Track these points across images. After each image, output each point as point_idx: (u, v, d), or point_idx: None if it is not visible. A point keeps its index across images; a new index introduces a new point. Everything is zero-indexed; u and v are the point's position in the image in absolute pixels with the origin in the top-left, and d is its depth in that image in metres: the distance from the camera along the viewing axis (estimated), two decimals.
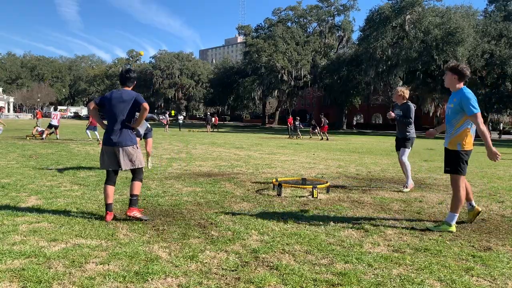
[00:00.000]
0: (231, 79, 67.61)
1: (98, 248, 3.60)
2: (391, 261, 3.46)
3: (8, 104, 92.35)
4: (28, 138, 18.23)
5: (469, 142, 4.48)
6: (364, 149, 17.86)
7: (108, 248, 3.59)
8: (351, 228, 4.49)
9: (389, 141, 27.54)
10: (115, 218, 4.60)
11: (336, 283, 2.97)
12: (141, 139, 7.91)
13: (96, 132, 18.45)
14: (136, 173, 4.69)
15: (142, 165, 4.73)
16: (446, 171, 4.56)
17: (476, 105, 4.31)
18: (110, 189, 4.64)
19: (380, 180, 8.23)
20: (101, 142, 5.26)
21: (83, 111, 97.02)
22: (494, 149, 4.28)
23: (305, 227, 4.48)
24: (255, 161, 11.30)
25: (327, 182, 6.91)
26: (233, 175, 8.43)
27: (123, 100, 4.55)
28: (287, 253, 3.61)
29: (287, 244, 3.86)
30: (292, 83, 56.87)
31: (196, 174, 8.51)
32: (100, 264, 3.22)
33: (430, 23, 39.03)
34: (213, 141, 20.70)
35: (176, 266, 3.22)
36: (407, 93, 7.14)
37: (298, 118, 30.17)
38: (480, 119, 4.30)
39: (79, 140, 18.08)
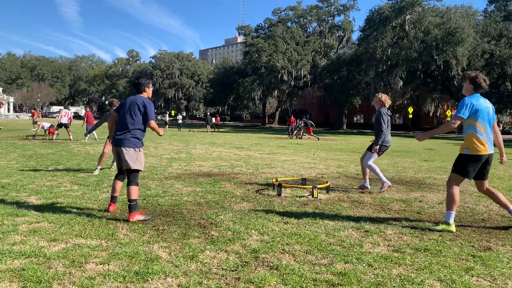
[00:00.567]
0: (231, 79, 67.61)
1: (98, 248, 3.60)
2: (391, 261, 3.46)
3: (8, 104, 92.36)
4: (28, 138, 18.24)
5: (478, 148, 4.56)
6: (364, 149, 17.84)
7: (108, 248, 3.59)
8: (351, 228, 4.49)
9: None
10: (115, 218, 4.60)
11: (336, 283, 2.97)
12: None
13: (94, 133, 18.46)
14: (132, 177, 4.72)
15: (141, 168, 4.80)
16: (455, 171, 4.67)
17: (464, 110, 4.50)
18: (118, 183, 4.97)
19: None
20: (108, 141, 5.52)
21: (83, 111, 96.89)
22: (424, 135, 4.92)
23: (305, 227, 4.48)
24: (255, 161, 11.30)
25: (327, 182, 6.92)
26: (233, 175, 8.43)
27: (136, 106, 4.77)
28: (287, 253, 3.61)
29: (287, 244, 3.86)
30: (292, 83, 56.85)
31: (196, 174, 8.51)
32: (100, 264, 3.22)
33: (430, 23, 39.01)
34: (213, 141, 20.70)
35: (176, 266, 3.22)
36: (386, 100, 7.05)
37: (303, 116, 29.99)
38: (456, 121, 4.51)
39: (79, 140, 18.08)
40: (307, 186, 6.63)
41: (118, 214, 4.82)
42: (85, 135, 18.13)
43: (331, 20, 60.64)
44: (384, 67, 42.32)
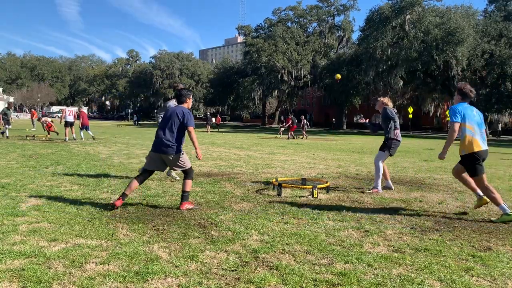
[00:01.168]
0: (231, 79, 67.58)
1: (98, 248, 3.60)
2: (391, 261, 3.46)
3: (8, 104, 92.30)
4: (28, 138, 18.24)
5: (472, 146, 5.09)
6: (364, 149, 17.87)
7: (108, 248, 3.59)
8: (351, 228, 4.49)
9: None
10: (115, 218, 4.60)
11: (336, 283, 2.97)
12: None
13: (89, 132, 18.52)
14: (187, 173, 5.35)
15: (189, 165, 5.41)
16: (470, 175, 5.23)
17: (456, 116, 5.13)
18: (135, 183, 5.24)
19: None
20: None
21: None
22: (444, 152, 5.30)
23: (305, 227, 4.48)
24: (255, 161, 11.30)
25: (327, 182, 6.92)
26: (233, 175, 8.43)
27: (176, 115, 5.24)
28: (287, 253, 3.61)
29: (287, 244, 3.86)
30: (292, 83, 56.83)
31: (196, 174, 8.51)
32: (100, 264, 3.22)
33: (430, 23, 39.00)
34: (213, 141, 20.70)
35: (176, 266, 3.22)
36: (388, 102, 7.20)
37: (303, 116, 29.93)
38: (454, 128, 5.10)
39: (78, 140, 18.07)
40: (307, 186, 6.63)
41: (118, 214, 4.82)
42: (81, 131, 18.21)
43: (331, 20, 60.61)
44: (384, 67, 42.31)
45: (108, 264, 3.22)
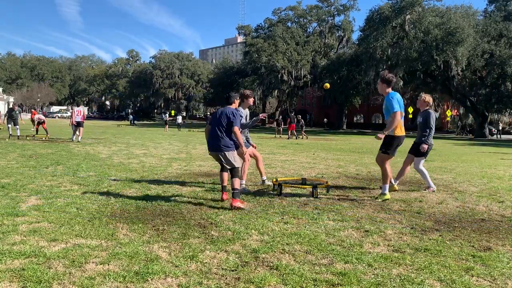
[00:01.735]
0: (231, 79, 67.57)
1: (98, 248, 3.60)
2: (391, 261, 3.46)
3: (8, 104, 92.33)
4: (28, 138, 18.24)
5: (400, 130, 6.04)
6: (364, 149, 17.86)
7: (108, 248, 3.59)
8: (351, 228, 4.49)
9: None
10: (115, 219, 4.60)
11: (336, 283, 2.97)
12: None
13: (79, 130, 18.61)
14: (233, 172, 5.59)
15: (239, 165, 5.70)
16: (381, 151, 6.19)
17: (396, 105, 5.80)
18: (224, 175, 5.87)
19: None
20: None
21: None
22: (381, 134, 5.97)
23: (305, 227, 4.48)
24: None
25: (327, 182, 6.92)
26: None
27: (225, 115, 5.64)
28: (287, 253, 3.61)
29: (287, 244, 3.86)
30: (292, 83, 56.83)
31: (196, 174, 8.51)
32: (100, 264, 3.22)
33: (430, 23, 39.01)
34: None
35: (176, 266, 3.22)
36: (430, 100, 7.13)
37: (299, 116, 29.94)
38: (398, 116, 5.79)
39: (78, 140, 18.06)
40: (307, 186, 6.63)
41: (118, 214, 4.82)
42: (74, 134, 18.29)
43: (331, 20, 60.62)
44: (384, 67, 42.28)
45: (108, 264, 3.22)
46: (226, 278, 3.03)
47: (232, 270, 3.18)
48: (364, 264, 3.36)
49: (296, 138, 26.16)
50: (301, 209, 5.35)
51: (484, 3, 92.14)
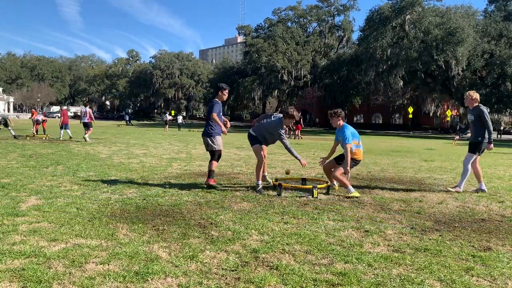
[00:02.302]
0: (231, 79, 67.53)
1: (98, 248, 3.60)
2: (391, 261, 3.46)
3: (8, 104, 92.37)
4: (28, 138, 18.24)
5: (357, 155, 6.67)
6: (364, 149, 17.82)
7: (108, 248, 3.59)
8: (351, 228, 4.49)
9: (389, 141, 27.57)
10: (115, 219, 4.60)
11: (336, 283, 2.97)
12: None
13: (68, 130, 18.71)
14: (211, 154, 7.05)
15: (217, 149, 7.06)
16: (338, 164, 6.66)
17: (349, 138, 6.41)
18: (214, 163, 6.97)
19: (380, 180, 8.23)
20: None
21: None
22: (347, 169, 6.41)
23: (305, 227, 4.48)
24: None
25: (327, 182, 6.92)
26: (233, 175, 8.43)
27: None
28: (287, 253, 3.61)
29: (287, 244, 3.86)
30: (292, 83, 56.84)
31: (196, 174, 8.51)
32: (100, 264, 3.22)
33: (430, 23, 39.02)
34: None
35: (176, 266, 3.22)
36: (477, 97, 7.01)
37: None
38: (349, 147, 6.37)
39: (78, 140, 18.08)
40: (307, 186, 6.63)
41: (118, 214, 4.82)
42: (61, 130, 18.44)
43: (331, 20, 60.65)
44: (384, 67, 42.33)
45: (108, 264, 3.22)
46: (226, 278, 3.03)
47: (232, 270, 3.18)
48: (364, 264, 3.36)
49: (299, 139, 26.06)
50: (301, 209, 5.35)
51: (484, 3, 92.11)
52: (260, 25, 63.90)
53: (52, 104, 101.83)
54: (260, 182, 6.62)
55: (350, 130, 6.54)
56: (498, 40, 40.53)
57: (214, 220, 4.66)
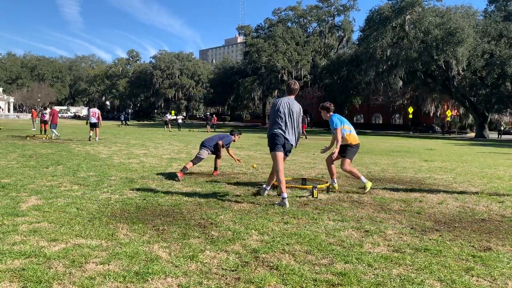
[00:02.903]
0: (231, 79, 67.62)
1: (98, 248, 3.60)
2: (391, 261, 3.46)
3: (8, 104, 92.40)
4: (28, 138, 18.25)
5: (352, 140, 6.87)
6: (364, 149, 17.86)
7: (108, 248, 3.59)
8: (351, 228, 4.49)
9: (389, 141, 27.56)
10: (115, 219, 4.60)
11: (336, 283, 2.97)
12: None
13: (54, 130, 18.89)
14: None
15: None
16: (343, 157, 6.81)
17: (337, 122, 6.71)
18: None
19: (380, 180, 8.23)
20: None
21: (83, 111, 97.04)
22: (326, 148, 6.99)
23: (305, 227, 4.48)
24: (255, 161, 11.30)
25: (327, 182, 6.91)
26: (233, 175, 8.43)
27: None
28: (287, 253, 3.61)
29: (287, 244, 3.86)
30: None
31: (196, 174, 8.51)
32: (100, 264, 3.22)
33: (430, 23, 39.02)
34: None
35: (176, 266, 3.22)
36: None
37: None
38: (338, 132, 6.65)
39: (79, 140, 18.09)
40: (307, 186, 6.63)
41: (118, 214, 4.82)
42: (52, 131, 18.58)
43: (331, 20, 60.69)
44: (384, 67, 42.33)
45: (108, 264, 3.22)
46: (226, 278, 3.03)
47: (232, 270, 3.18)
48: (364, 264, 3.36)
49: (305, 138, 25.96)
50: (301, 209, 5.35)
51: (484, 3, 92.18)
52: (260, 25, 63.94)
53: (52, 104, 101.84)
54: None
55: (336, 116, 6.84)
56: (498, 40, 40.52)
57: (214, 220, 4.66)
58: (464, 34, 36.97)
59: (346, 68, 50.86)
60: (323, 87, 58.65)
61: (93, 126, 18.11)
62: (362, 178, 6.82)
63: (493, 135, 47.17)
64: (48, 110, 19.48)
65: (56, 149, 13.14)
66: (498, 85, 41.34)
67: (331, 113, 6.95)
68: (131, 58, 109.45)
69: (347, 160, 6.75)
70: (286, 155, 5.74)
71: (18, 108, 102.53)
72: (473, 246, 3.96)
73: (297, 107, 5.81)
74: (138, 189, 6.46)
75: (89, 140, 17.66)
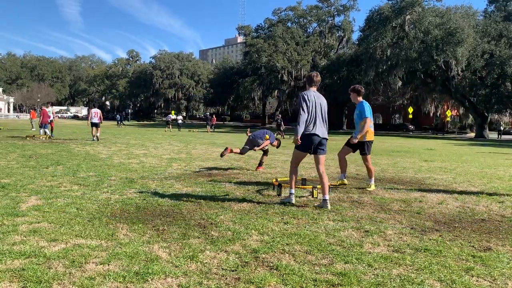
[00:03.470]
0: (231, 79, 67.60)
1: (98, 248, 3.60)
2: (391, 261, 3.46)
3: (8, 104, 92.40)
4: (28, 138, 18.25)
5: (370, 135, 7.05)
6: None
7: (108, 248, 3.59)
8: (351, 228, 4.49)
9: (389, 141, 27.56)
10: (115, 219, 4.60)
11: (336, 283, 2.97)
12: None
13: (46, 130, 18.94)
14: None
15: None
16: (363, 154, 7.14)
17: (368, 112, 6.90)
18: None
19: (380, 180, 8.23)
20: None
21: (83, 111, 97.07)
22: (355, 138, 6.90)
23: (305, 227, 4.48)
24: (255, 161, 11.30)
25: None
26: (233, 175, 8.43)
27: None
28: (287, 253, 3.61)
29: (287, 244, 3.86)
30: (292, 83, 56.89)
31: (196, 174, 8.51)
32: (100, 264, 3.22)
33: (430, 23, 39.04)
34: (213, 141, 20.69)
35: (176, 266, 3.22)
36: None
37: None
38: (367, 122, 6.88)
39: (79, 140, 18.09)
40: (307, 186, 6.63)
41: (118, 214, 4.81)
42: (44, 130, 18.63)
43: (331, 20, 60.73)
44: (384, 67, 42.35)
45: (108, 264, 3.22)
46: (226, 278, 3.03)
47: (232, 270, 3.18)
48: (364, 264, 3.36)
49: None
50: (301, 209, 5.35)
51: (484, 3, 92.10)
52: (260, 25, 63.97)
53: (52, 104, 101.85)
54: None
55: (368, 105, 6.95)
56: (498, 40, 40.54)
57: (214, 220, 4.66)
58: (464, 34, 36.99)
59: (346, 68, 50.89)
60: (323, 87, 58.52)
61: (95, 125, 18.28)
62: (372, 179, 7.14)
63: (493, 135, 47.17)
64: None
65: (56, 149, 13.13)
66: (498, 85, 41.35)
67: (361, 98, 7.04)
68: (131, 58, 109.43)
69: (369, 156, 7.14)
70: (323, 150, 5.80)
71: (18, 108, 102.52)
72: (473, 246, 3.96)
73: (323, 100, 6.11)
74: (138, 189, 6.46)
75: (94, 139, 17.81)
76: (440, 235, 4.28)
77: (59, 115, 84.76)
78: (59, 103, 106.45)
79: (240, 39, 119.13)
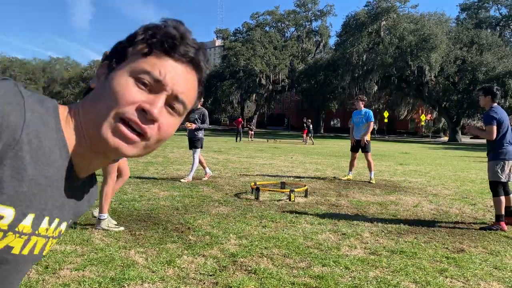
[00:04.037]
0: (209, 83, 67.26)
1: (73, 253, 3.52)
2: (368, 263, 3.50)
3: None
4: None
5: (369, 136, 8.63)
6: (341, 153, 18.05)
7: (83, 254, 3.52)
8: (328, 231, 4.52)
9: None
10: (90, 224, 4.52)
11: (314, 286, 2.99)
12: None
13: None
14: None
15: None
16: (365, 151, 8.64)
17: (373, 118, 8.65)
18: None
19: (357, 183, 8.33)
20: None
21: None
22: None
23: (283, 230, 4.49)
24: (233, 164, 11.28)
25: (305, 186, 6.96)
26: (211, 179, 8.38)
27: None
28: (265, 256, 3.61)
29: (265, 247, 3.86)
30: (270, 87, 57.11)
31: (173, 178, 8.43)
32: (75, 270, 3.15)
33: (405, 29, 39.87)
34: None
35: (153, 272, 3.18)
36: None
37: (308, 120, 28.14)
38: (371, 125, 8.62)
39: None
40: (285, 190, 6.66)
41: (93, 219, 4.72)
42: None
43: (309, 25, 61.35)
44: (360, 72, 42.98)
45: (83, 270, 3.15)
46: (204, 283, 3.01)
47: (210, 275, 3.16)
48: (341, 267, 3.39)
49: (305, 144, 25.42)
50: (279, 213, 5.36)
51: (456, 11, 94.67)
52: (238, 29, 64.02)
53: None
54: None
55: (371, 112, 8.73)
56: (469, 47, 41.70)
57: (191, 224, 4.62)
58: (437, 41, 37.90)
59: (323, 73, 51.39)
60: (301, 91, 59.06)
61: None
62: (372, 172, 8.64)
63: (465, 139, 48.41)
64: None
65: None
66: (470, 90, 42.47)
67: (363, 106, 8.75)
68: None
69: (370, 153, 8.73)
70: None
71: None
72: (447, 248, 4.04)
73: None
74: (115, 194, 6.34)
75: None
76: (415, 237, 4.36)
77: None
78: None
79: (218, 42, 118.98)
